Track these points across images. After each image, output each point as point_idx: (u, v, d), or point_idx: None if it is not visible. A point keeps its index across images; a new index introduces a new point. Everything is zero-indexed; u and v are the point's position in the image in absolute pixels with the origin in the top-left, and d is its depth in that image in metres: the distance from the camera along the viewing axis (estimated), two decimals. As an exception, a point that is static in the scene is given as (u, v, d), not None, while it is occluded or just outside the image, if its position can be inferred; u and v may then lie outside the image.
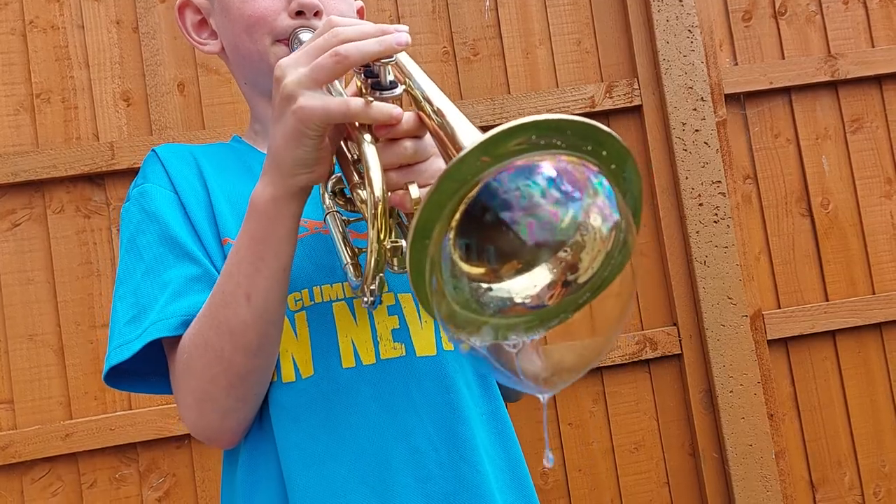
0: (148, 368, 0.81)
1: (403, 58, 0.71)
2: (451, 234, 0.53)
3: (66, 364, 1.73)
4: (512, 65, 1.92)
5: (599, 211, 0.53)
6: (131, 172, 1.77)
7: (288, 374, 0.79)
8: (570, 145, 0.50)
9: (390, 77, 0.69)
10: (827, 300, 1.93)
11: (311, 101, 0.65)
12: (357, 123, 0.67)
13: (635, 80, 1.92)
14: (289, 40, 0.85)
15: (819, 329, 1.90)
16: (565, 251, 0.54)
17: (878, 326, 1.93)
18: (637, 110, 1.92)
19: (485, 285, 0.55)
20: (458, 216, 0.52)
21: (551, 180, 0.52)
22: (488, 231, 0.53)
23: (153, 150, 0.90)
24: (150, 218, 0.83)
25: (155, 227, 0.82)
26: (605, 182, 0.52)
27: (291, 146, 0.67)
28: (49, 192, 1.76)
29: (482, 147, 0.49)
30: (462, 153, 0.49)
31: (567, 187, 0.52)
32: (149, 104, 1.80)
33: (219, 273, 0.80)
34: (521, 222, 0.53)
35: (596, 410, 1.85)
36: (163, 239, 0.81)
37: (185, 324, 0.77)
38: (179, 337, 0.77)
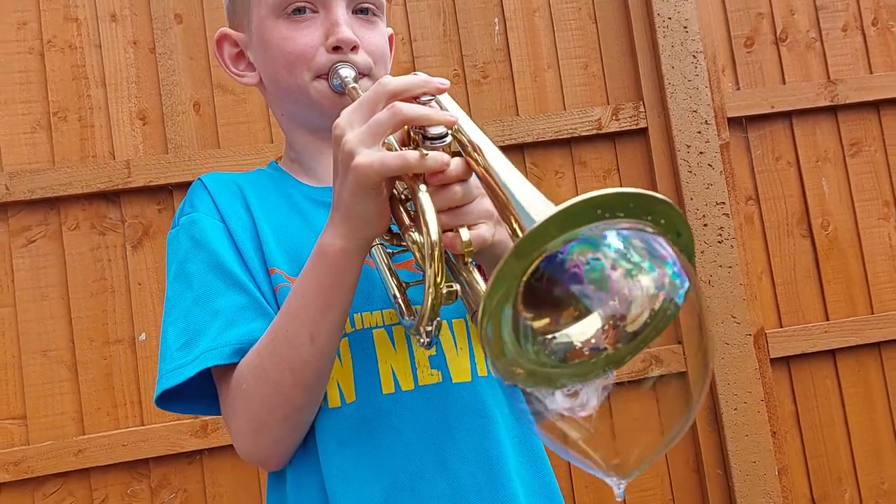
0: (193, 391, 0.84)
1: (448, 102, 0.74)
2: (518, 302, 0.56)
3: (80, 380, 1.75)
4: (521, 87, 1.96)
5: (664, 277, 0.56)
6: (147, 190, 1.80)
7: (334, 399, 0.82)
8: (631, 216, 0.53)
9: (441, 127, 0.72)
10: (827, 319, 1.97)
11: (370, 157, 0.68)
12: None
13: (641, 103, 1.96)
14: (328, 75, 0.88)
15: (820, 348, 1.94)
16: (623, 307, 0.58)
17: (878, 346, 1.98)
18: (643, 132, 1.96)
19: (549, 336, 0.58)
20: (522, 286, 0.55)
21: (616, 249, 0.55)
22: (553, 299, 0.57)
23: (199, 179, 0.93)
24: (199, 246, 0.85)
25: (204, 255, 0.85)
26: (669, 247, 0.55)
27: (357, 200, 0.71)
28: (65, 209, 1.78)
29: (548, 223, 0.51)
30: (529, 230, 0.52)
31: (633, 256, 0.55)
32: (165, 123, 1.83)
33: (267, 301, 0.83)
34: (591, 295, 0.56)
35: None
36: (212, 267, 0.84)
37: (239, 352, 0.79)
38: (232, 365, 0.80)
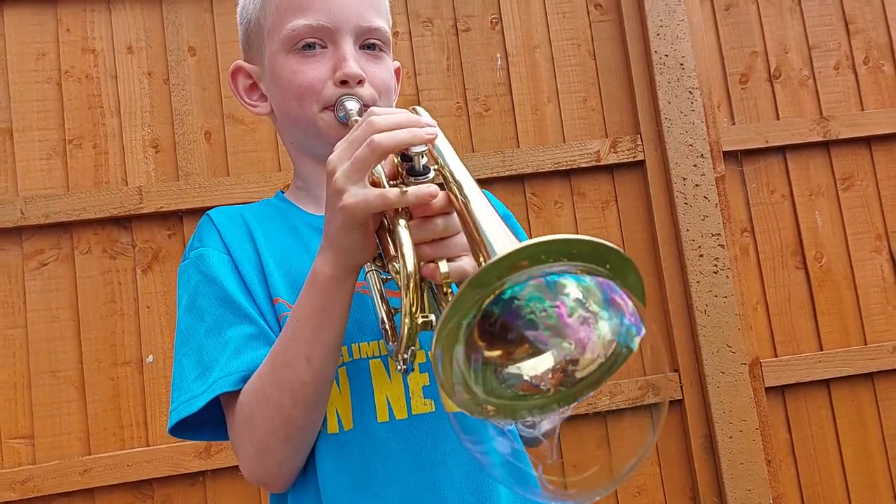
0: (204, 419, 0.87)
1: (441, 144, 0.78)
2: (473, 333, 0.60)
3: (87, 400, 1.78)
4: (521, 120, 2.02)
5: (611, 322, 0.60)
6: (158, 216, 1.85)
7: (333, 426, 0.86)
8: (582, 261, 0.58)
9: (424, 162, 0.76)
10: (821, 350, 2.01)
11: (356, 196, 0.73)
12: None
13: (638, 136, 2.02)
14: (334, 107, 0.93)
15: (814, 378, 1.98)
16: (570, 343, 0.62)
17: (871, 376, 2.01)
18: (640, 165, 2.02)
19: (500, 366, 0.62)
20: (478, 318, 0.59)
21: (566, 293, 0.60)
22: (505, 330, 0.61)
23: (207, 215, 0.97)
24: (209, 281, 0.90)
25: (213, 289, 0.89)
26: (621, 291, 0.60)
27: (342, 234, 0.76)
28: (77, 234, 1.83)
29: (500, 262, 0.56)
30: (484, 265, 0.57)
31: (580, 298, 0.60)
32: (176, 151, 1.89)
33: (272, 330, 0.87)
34: (537, 330, 0.60)
35: (599, 454, 1.90)
36: (221, 300, 0.88)
37: (244, 379, 0.83)
38: (238, 391, 0.84)
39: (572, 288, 0.60)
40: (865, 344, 2.02)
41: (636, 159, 2.01)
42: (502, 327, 0.61)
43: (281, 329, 0.86)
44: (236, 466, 1.81)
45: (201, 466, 1.78)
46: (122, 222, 1.85)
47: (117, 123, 1.89)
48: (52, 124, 1.87)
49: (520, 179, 1.99)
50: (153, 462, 1.76)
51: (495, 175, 1.95)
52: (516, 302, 0.60)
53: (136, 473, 1.76)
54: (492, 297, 0.58)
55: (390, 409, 0.86)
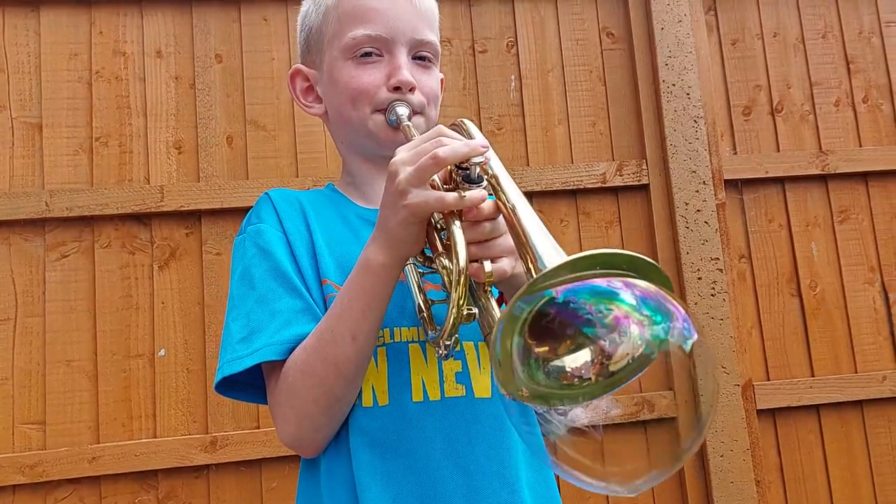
0: (247, 380, 0.94)
1: (491, 156, 0.86)
2: (525, 332, 0.68)
3: (99, 390, 1.83)
4: (532, 140, 2.10)
5: (641, 323, 0.68)
6: (177, 215, 1.91)
7: (367, 400, 0.93)
8: (623, 270, 0.65)
9: (478, 171, 0.84)
10: (813, 375, 2.07)
11: (417, 198, 0.81)
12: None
13: (644, 161, 2.09)
14: (385, 111, 1.01)
15: (805, 402, 2.04)
16: (606, 341, 0.69)
17: (860, 404, 2.07)
18: (644, 188, 2.09)
19: (545, 361, 0.70)
20: (530, 320, 0.67)
21: (613, 299, 0.67)
22: (553, 330, 0.68)
23: (266, 194, 1.04)
24: (264, 254, 0.97)
25: (267, 262, 0.96)
26: (674, 301, 0.67)
27: (401, 228, 0.84)
28: (99, 228, 1.89)
29: (551, 273, 0.63)
30: (541, 273, 0.64)
31: (635, 307, 0.67)
32: (199, 153, 1.96)
33: (318, 307, 0.94)
34: (584, 333, 0.68)
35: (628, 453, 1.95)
36: (274, 273, 0.95)
37: (290, 350, 0.90)
38: (282, 361, 0.90)
39: (613, 296, 0.68)
40: (856, 372, 2.08)
41: (641, 183, 2.09)
42: (550, 325, 0.69)
43: (327, 307, 0.92)
44: (240, 461, 1.86)
45: (206, 460, 1.82)
46: (143, 219, 1.91)
47: (143, 124, 1.96)
48: (80, 122, 1.94)
49: (528, 197, 2.04)
50: (160, 453, 1.81)
51: (504, 191, 2.02)
52: (565, 305, 0.68)
53: (143, 464, 1.80)
54: (543, 300, 0.66)
55: (425, 391, 0.93)
